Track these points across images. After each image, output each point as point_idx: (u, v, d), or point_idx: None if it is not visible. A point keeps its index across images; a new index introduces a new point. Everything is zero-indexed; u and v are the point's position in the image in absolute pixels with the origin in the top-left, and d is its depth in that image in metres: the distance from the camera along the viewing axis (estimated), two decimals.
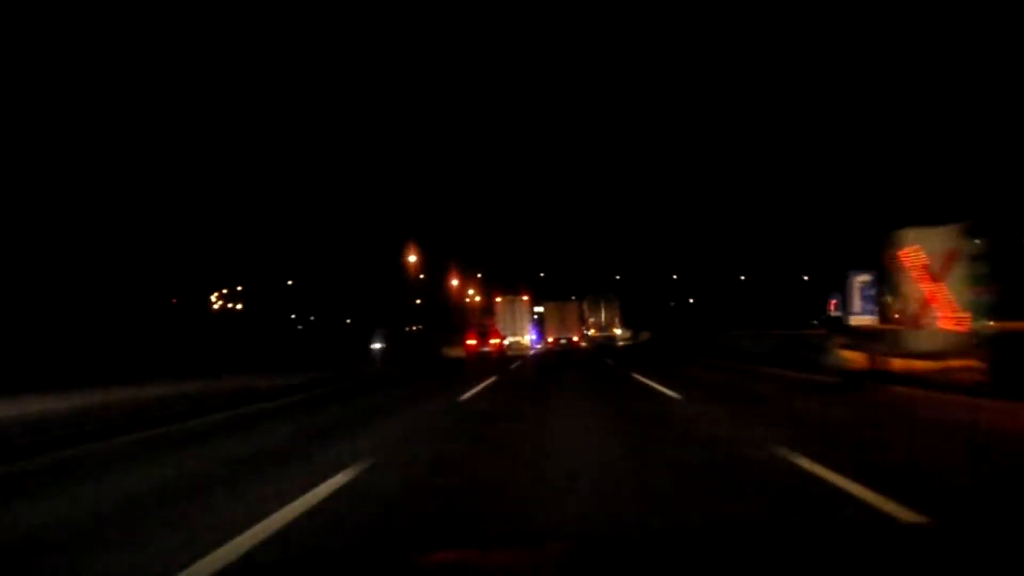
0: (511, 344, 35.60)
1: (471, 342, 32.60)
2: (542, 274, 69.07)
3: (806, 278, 67.18)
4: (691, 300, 69.56)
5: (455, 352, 34.01)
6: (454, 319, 56.12)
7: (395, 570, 1.63)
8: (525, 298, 39.04)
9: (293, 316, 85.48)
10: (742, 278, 68.23)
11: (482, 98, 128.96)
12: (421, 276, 63.99)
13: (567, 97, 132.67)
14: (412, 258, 42.83)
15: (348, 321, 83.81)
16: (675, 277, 72.65)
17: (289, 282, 73.34)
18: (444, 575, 1.62)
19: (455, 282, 61.81)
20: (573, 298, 45.72)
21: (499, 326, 35.75)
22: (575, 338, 40.11)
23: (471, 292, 62.14)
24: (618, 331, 43.35)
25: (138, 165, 42.54)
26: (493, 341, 32.90)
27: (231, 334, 48.15)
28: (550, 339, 40.07)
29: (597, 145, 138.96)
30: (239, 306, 72.05)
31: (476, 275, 67.07)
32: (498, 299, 39.25)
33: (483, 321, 37.95)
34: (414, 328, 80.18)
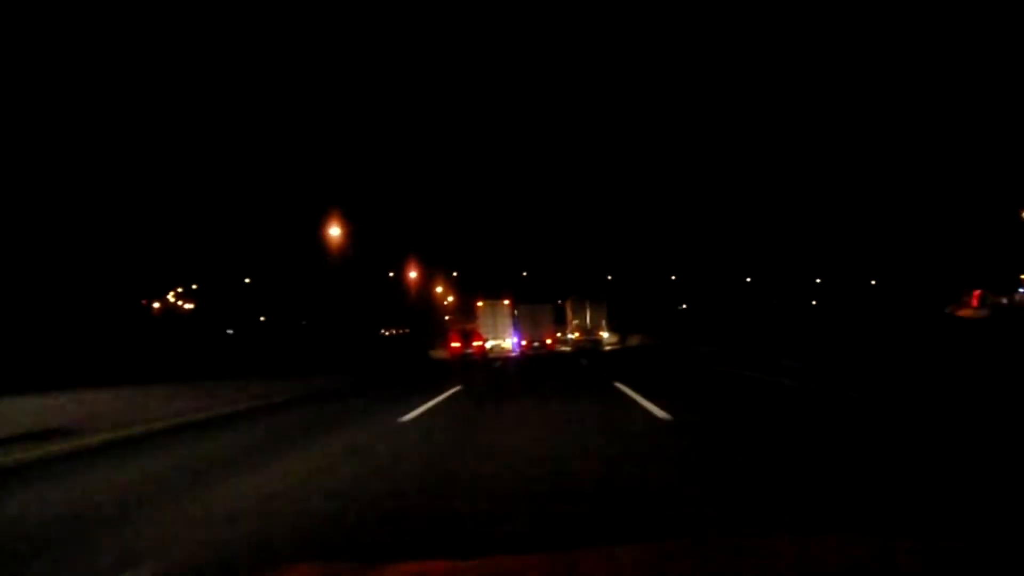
0: (493, 347, 36.52)
1: (455, 344, 34.15)
2: (524, 273, 63.62)
3: (819, 280, 61.91)
4: (683, 305, 63.98)
5: (439, 354, 35.84)
6: (434, 322, 56.54)
7: None
8: (506, 302, 39.61)
9: (263, 318, 79.72)
10: (747, 280, 62.50)
11: (462, 87, 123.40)
12: (391, 274, 59.14)
13: (556, 85, 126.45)
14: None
15: (324, 323, 78.02)
16: (673, 278, 66.84)
17: (247, 280, 67.48)
18: None
19: (433, 285, 57.25)
20: (559, 301, 44.85)
21: (481, 329, 36.88)
22: (549, 341, 40.16)
23: (439, 290, 57.00)
24: (604, 334, 41.04)
25: (80, 159, 38.18)
26: (476, 344, 34.35)
27: (175, 337, 42.69)
28: (524, 342, 39.77)
29: (586, 136, 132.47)
30: (188, 305, 66.32)
31: (453, 274, 62.13)
32: (479, 303, 39.64)
33: (466, 325, 39.36)
34: (397, 331, 75.20)
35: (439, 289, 58.29)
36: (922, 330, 21.19)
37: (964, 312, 25.25)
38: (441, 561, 1.82)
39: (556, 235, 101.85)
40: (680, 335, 39.09)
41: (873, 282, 59.03)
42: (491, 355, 34.26)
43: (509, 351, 37.27)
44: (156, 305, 54.96)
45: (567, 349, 39.77)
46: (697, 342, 29.48)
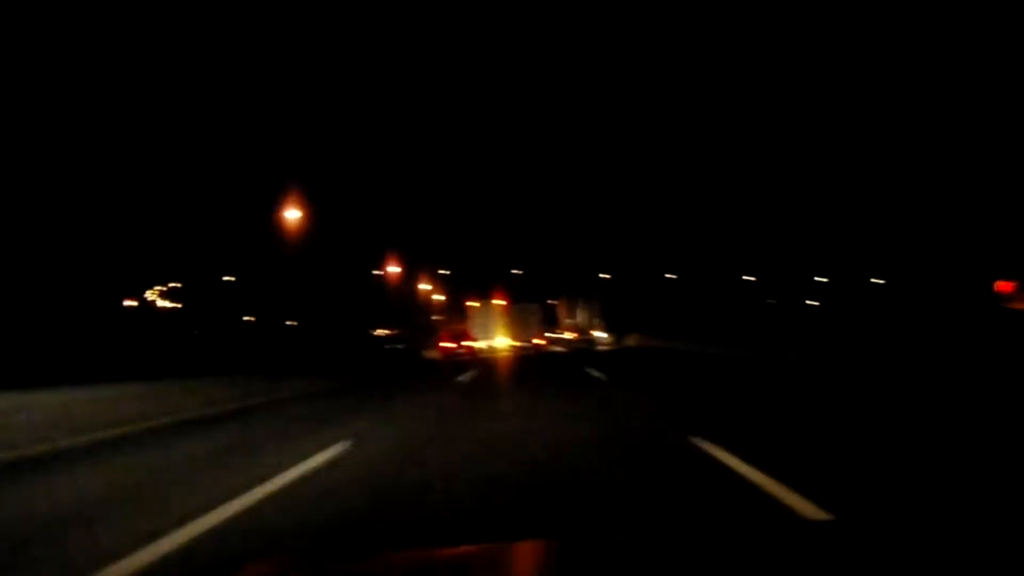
0: (485, 347, 37.11)
1: (446, 345, 35.38)
2: (515, 271, 61.59)
3: (825, 279, 59.79)
4: (682, 303, 61.90)
5: (431, 355, 36.64)
6: (424, 321, 56.79)
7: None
8: (498, 302, 40.33)
9: (250, 318, 77.42)
10: (752, 279, 60.33)
11: (449, 75, 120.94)
12: (375, 272, 57.18)
13: (548, 73, 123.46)
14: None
15: (295, 324, 75.96)
16: (673, 276, 64.71)
17: (228, 278, 65.12)
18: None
19: (426, 284, 57.17)
20: (549, 301, 44.82)
21: (473, 330, 37.45)
22: (537, 341, 40.04)
23: (421, 286, 55.32)
24: (599, 334, 41.48)
25: (54, 154, 36.87)
26: (466, 344, 35.46)
27: (135, 335, 40.85)
28: (515, 343, 39.55)
29: (580, 128, 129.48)
30: (163, 303, 64.02)
31: (441, 272, 60.21)
32: (472, 304, 40.39)
33: (456, 326, 40.50)
34: (389, 331, 73.83)
35: (421, 285, 56.65)
36: (998, 328, 18.29)
37: None
38: (408, 551, 1.88)
39: (548, 231, 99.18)
40: (683, 336, 37.30)
41: (881, 281, 56.89)
42: (481, 356, 34.63)
43: (501, 351, 37.39)
44: (130, 303, 52.51)
45: (559, 349, 38.88)
46: (709, 343, 26.20)
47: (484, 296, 41.35)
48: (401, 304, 63.30)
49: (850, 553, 1.40)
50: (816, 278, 59.49)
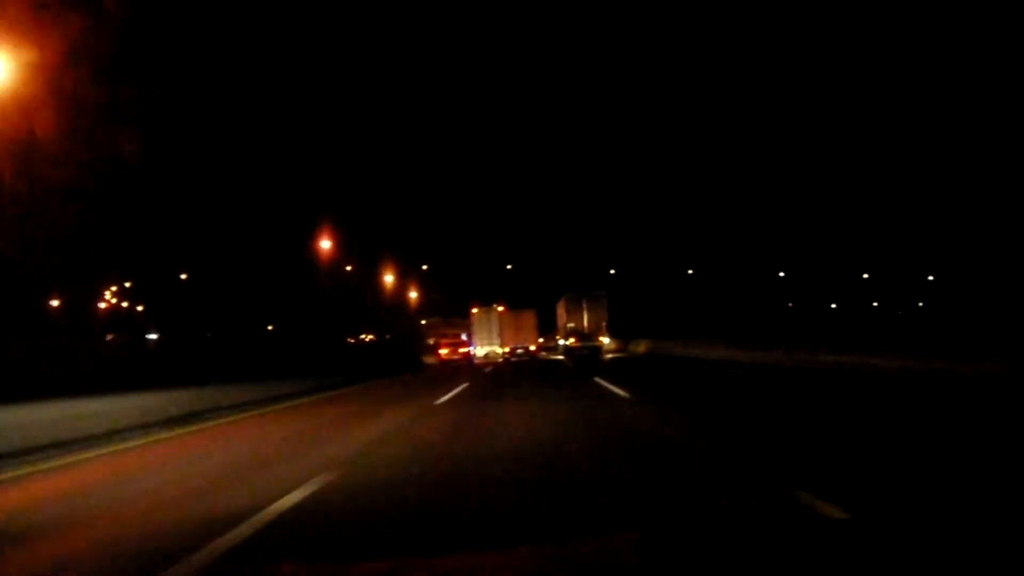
0: (487, 353, 39.35)
1: (443, 351, 38.69)
2: (509, 266, 55.32)
3: (866, 276, 52.96)
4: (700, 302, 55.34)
5: (429, 360, 39.97)
6: (410, 325, 55.88)
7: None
8: (500, 309, 42.00)
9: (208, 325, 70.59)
10: (781, 274, 53.24)
11: (447, 69, 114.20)
12: (347, 267, 50.59)
13: (552, 52, 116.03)
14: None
15: (270, 328, 69.42)
16: (691, 272, 57.83)
17: (183, 275, 58.56)
18: None
19: (392, 280, 54.59)
20: (560, 300, 43.74)
21: (475, 336, 40.31)
22: (532, 347, 41.01)
23: (389, 278, 49.96)
24: (605, 340, 38.57)
25: None
26: (462, 350, 38.80)
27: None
28: (507, 349, 41.01)
29: (583, 106, 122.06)
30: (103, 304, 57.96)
31: (425, 269, 54.41)
32: (474, 310, 42.05)
33: (447, 330, 43.55)
34: (365, 337, 67.91)
35: (389, 277, 51.07)
36: None
37: None
38: (412, 558, 2.04)
39: (549, 222, 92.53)
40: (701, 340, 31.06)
41: (931, 277, 49.90)
42: (478, 361, 37.24)
43: (500, 357, 39.49)
44: (55, 303, 46.42)
45: (559, 357, 38.15)
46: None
47: (480, 299, 42.81)
48: (386, 307, 57.74)
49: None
50: (863, 275, 52.76)
